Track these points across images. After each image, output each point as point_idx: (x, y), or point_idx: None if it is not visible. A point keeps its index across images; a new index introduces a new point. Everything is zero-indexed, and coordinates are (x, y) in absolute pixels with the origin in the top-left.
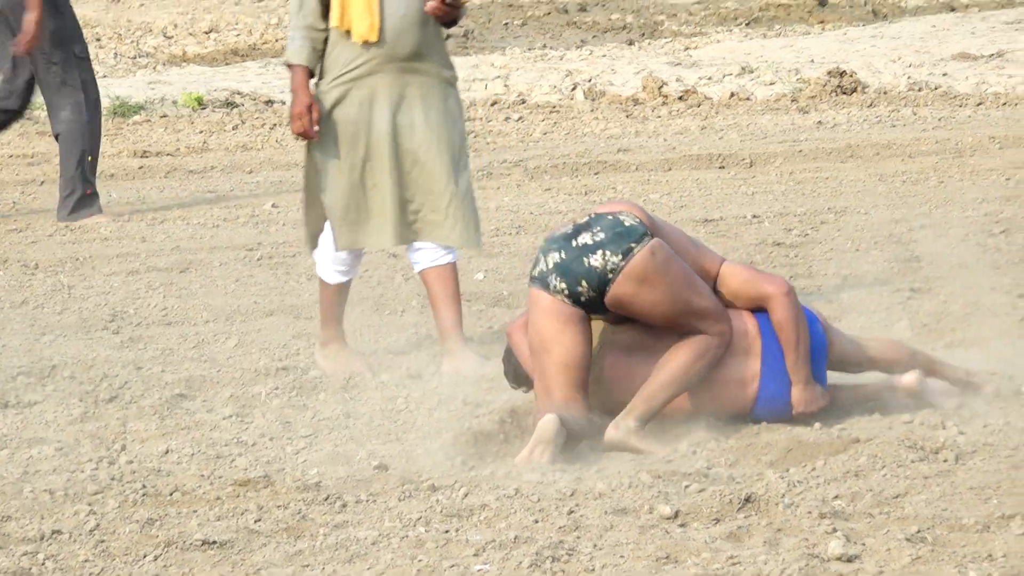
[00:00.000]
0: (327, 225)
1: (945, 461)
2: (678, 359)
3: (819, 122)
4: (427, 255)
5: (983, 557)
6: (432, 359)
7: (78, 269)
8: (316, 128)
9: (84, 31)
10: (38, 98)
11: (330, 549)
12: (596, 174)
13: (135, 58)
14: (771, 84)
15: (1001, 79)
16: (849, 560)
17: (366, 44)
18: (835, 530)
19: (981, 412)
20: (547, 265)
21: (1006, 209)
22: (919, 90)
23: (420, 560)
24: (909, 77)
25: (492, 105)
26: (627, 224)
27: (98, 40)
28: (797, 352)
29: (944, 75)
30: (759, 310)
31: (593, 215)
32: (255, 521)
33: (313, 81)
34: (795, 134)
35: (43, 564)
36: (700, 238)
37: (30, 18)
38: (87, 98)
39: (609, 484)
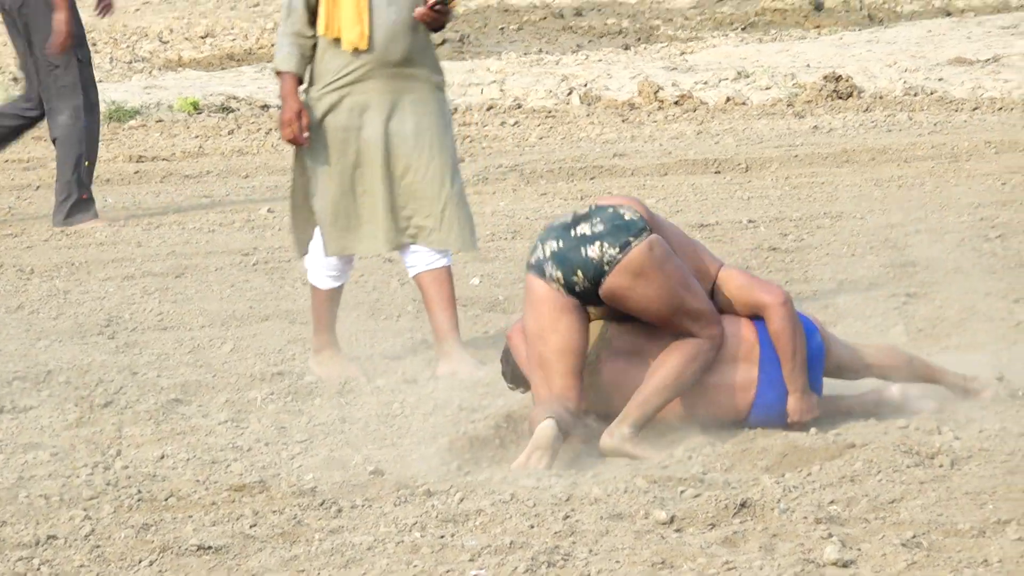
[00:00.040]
0: (317, 231)
1: (941, 466)
2: (670, 364)
3: (815, 127)
4: (422, 259)
5: (979, 562)
6: (427, 364)
7: (74, 274)
8: (306, 135)
9: None
10: None
11: (325, 554)
12: (592, 179)
13: (131, 63)
14: (767, 89)
15: (997, 84)
16: (845, 565)
17: (356, 51)
18: (831, 535)
19: (977, 417)
20: (544, 253)
21: (1002, 214)
22: (915, 95)
23: (415, 565)
24: (905, 82)
25: (488, 110)
26: (627, 218)
27: (94, 45)
28: (794, 361)
29: (940, 80)
30: (758, 317)
31: (594, 206)
32: (250, 526)
33: (302, 88)
34: (791, 139)
35: (38, 569)
36: None
37: (60, 18)
38: (86, 102)
39: (605, 489)
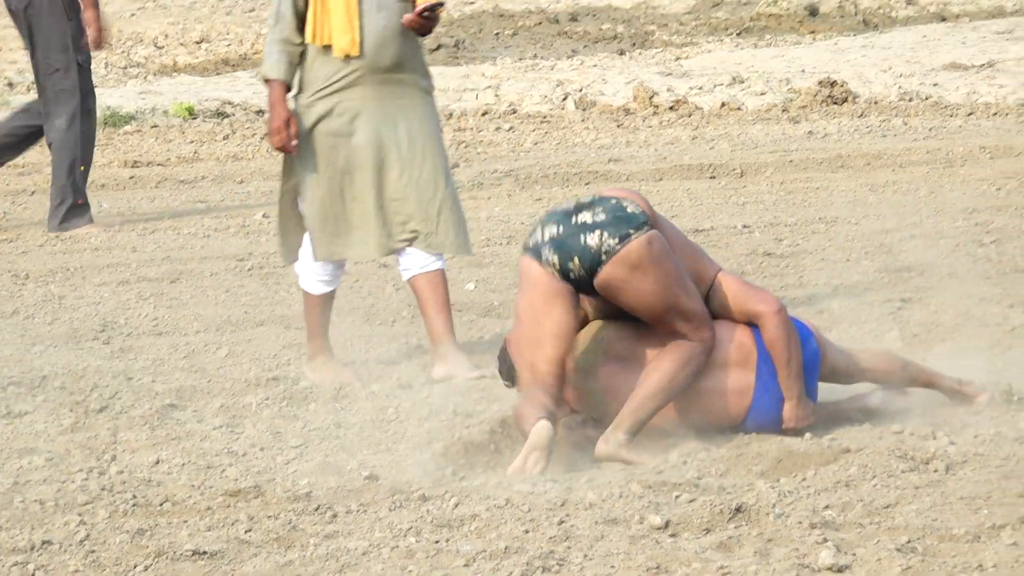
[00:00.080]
0: (307, 236)
1: (935, 471)
2: (662, 369)
3: (810, 132)
4: (416, 262)
5: (973, 567)
6: (422, 369)
7: (69, 279)
8: (295, 143)
9: None
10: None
11: (320, 559)
12: (587, 184)
13: (126, 68)
14: (762, 94)
15: (992, 89)
16: (839, 570)
17: (347, 58)
18: (825, 540)
19: (971, 422)
20: (543, 237)
21: (997, 219)
22: (910, 100)
23: (410, 570)
24: (900, 87)
25: (483, 115)
26: (629, 210)
27: None
28: (789, 369)
29: (935, 85)
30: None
31: (597, 196)
32: (245, 531)
33: (291, 95)
34: (786, 144)
35: (33, 574)
36: None
37: (91, 15)
38: (83, 107)
39: (599, 494)
